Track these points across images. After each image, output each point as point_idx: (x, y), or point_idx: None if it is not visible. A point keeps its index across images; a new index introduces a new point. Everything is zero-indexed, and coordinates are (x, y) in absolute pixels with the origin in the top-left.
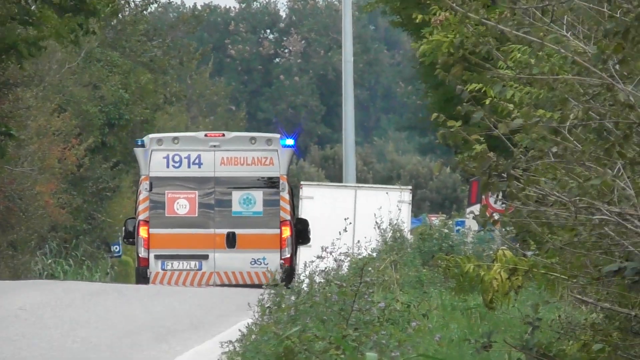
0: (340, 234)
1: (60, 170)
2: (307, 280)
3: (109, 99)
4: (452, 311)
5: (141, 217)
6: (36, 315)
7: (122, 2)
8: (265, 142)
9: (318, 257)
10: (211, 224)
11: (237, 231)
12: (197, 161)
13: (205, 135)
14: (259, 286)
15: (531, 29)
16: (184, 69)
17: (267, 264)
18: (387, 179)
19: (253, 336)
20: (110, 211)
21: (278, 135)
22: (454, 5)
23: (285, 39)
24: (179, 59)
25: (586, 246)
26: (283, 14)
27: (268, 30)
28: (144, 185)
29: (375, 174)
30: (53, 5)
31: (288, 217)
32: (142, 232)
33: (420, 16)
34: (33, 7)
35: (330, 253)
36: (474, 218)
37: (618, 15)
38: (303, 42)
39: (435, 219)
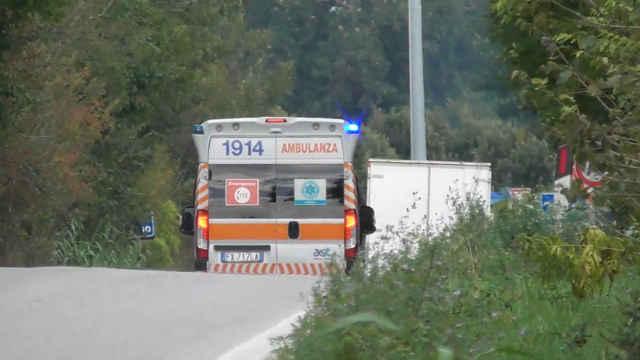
0: (407, 210)
1: (82, 138)
2: (369, 266)
3: (138, 54)
4: (540, 300)
5: (200, 206)
6: (55, 307)
7: None
8: (328, 128)
9: (382, 237)
10: (273, 213)
11: (300, 221)
12: (257, 148)
13: (267, 120)
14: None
15: None
16: (224, 20)
17: (331, 255)
18: (461, 146)
19: (308, 331)
20: (141, 185)
21: (342, 121)
22: None
23: None
24: (219, 8)
25: None
26: None
27: None
28: (203, 174)
29: (448, 140)
30: None
31: (353, 206)
32: (201, 222)
33: None
34: None
35: (396, 233)
36: (562, 192)
37: None
38: None
39: (519, 193)
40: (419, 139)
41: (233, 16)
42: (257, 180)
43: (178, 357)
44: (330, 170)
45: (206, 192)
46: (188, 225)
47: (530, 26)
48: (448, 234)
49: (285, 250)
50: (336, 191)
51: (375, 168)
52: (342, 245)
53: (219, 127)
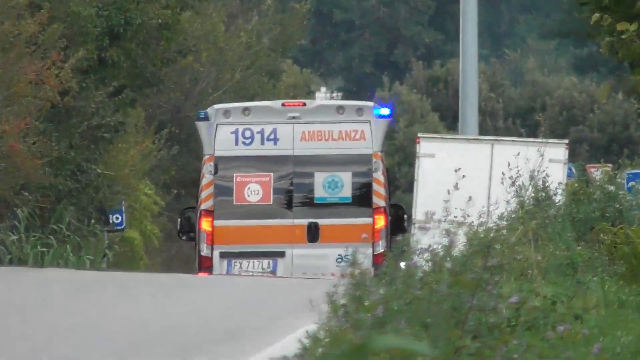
0: (449, 192)
1: (34, 100)
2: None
3: None
4: (620, 310)
5: (204, 206)
6: None
7: None
8: (355, 112)
9: (420, 227)
10: (289, 213)
11: (321, 221)
12: (272, 137)
13: (283, 104)
14: None
15: None
16: None
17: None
18: (525, 110)
19: (320, 349)
20: (110, 162)
21: (371, 104)
22: None
23: None
24: None
25: None
26: None
27: None
28: (208, 167)
29: (508, 103)
30: None
31: (383, 204)
32: (205, 224)
33: None
34: None
35: (439, 222)
36: None
37: None
38: None
39: (597, 170)
40: (469, 101)
41: None
42: (271, 174)
43: None
44: (357, 161)
45: (211, 189)
46: (188, 230)
47: None
48: (504, 222)
49: (303, 256)
50: (363, 186)
51: (426, 145)
52: (371, 249)
53: (226, 112)
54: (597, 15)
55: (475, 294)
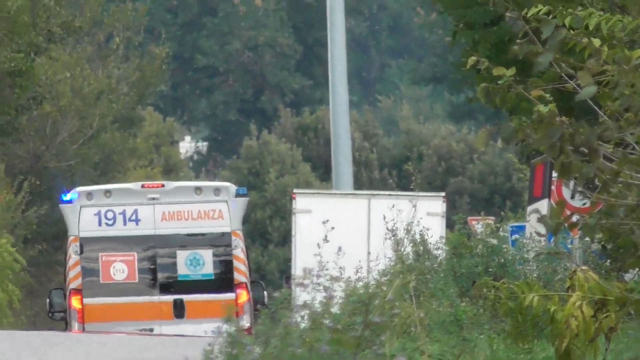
0: (319, 246)
1: None
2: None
3: None
4: None
5: (72, 285)
6: None
7: None
8: (212, 192)
9: (298, 284)
10: (155, 290)
11: (186, 298)
12: (134, 217)
13: (142, 186)
14: None
15: None
16: None
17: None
18: (400, 160)
19: None
20: None
21: (228, 184)
22: None
23: None
24: None
25: None
26: None
27: None
28: (74, 248)
29: (382, 153)
30: None
31: (244, 279)
32: (75, 302)
33: None
34: None
35: (317, 277)
36: (539, 220)
37: None
38: None
39: (478, 223)
40: (342, 151)
41: None
42: (135, 253)
43: None
44: (216, 239)
45: (78, 268)
46: (58, 309)
47: None
48: (385, 279)
49: (170, 332)
50: (225, 263)
51: (302, 201)
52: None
53: (89, 195)
54: (473, 58)
55: (357, 352)
